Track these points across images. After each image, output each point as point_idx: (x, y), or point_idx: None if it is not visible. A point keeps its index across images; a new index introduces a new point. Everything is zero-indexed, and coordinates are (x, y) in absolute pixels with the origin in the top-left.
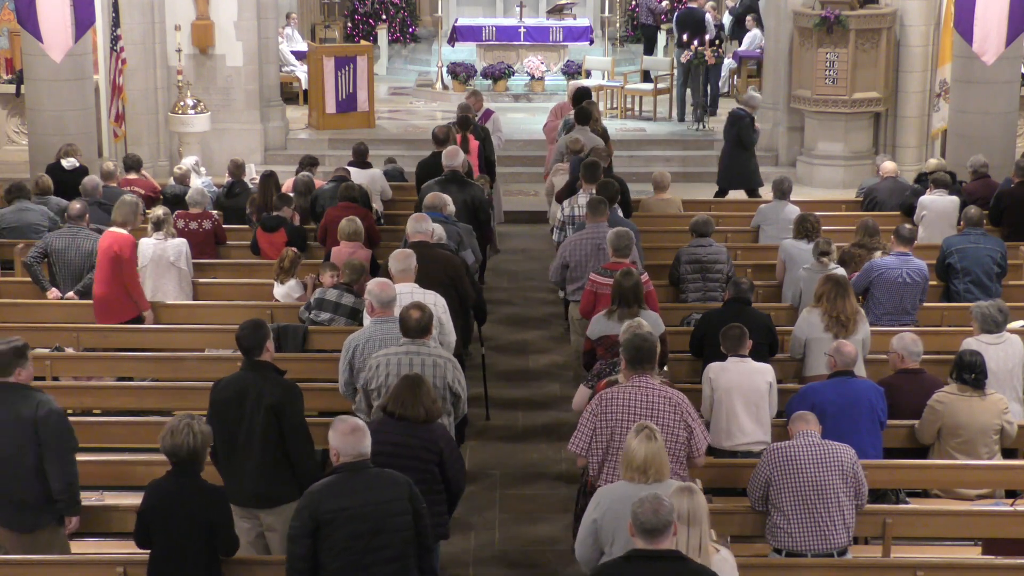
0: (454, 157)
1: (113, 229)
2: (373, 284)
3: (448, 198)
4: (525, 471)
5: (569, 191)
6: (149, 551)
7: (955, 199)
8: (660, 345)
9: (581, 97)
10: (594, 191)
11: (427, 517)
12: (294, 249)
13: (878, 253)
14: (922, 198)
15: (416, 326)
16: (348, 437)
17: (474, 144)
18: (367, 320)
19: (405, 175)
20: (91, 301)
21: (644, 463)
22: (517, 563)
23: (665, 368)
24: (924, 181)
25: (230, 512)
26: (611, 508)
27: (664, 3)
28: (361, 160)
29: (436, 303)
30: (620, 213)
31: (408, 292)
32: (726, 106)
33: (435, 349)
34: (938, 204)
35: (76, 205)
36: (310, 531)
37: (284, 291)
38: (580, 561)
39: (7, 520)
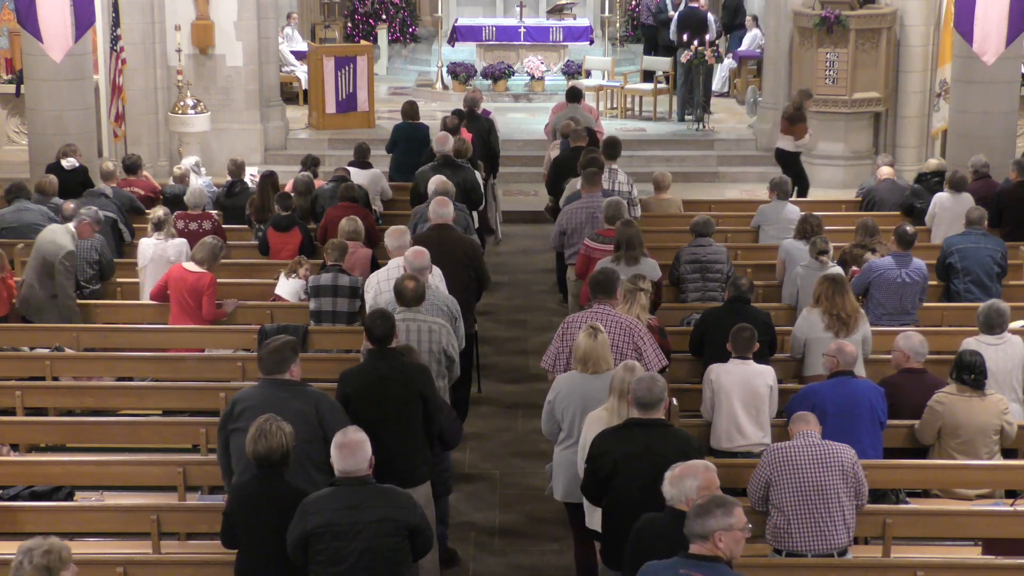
0: (444, 143)
1: (190, 266)
2: (408, 252)
3: (451, 184)
4: (525, 470)
5: (557, 167)
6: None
7: (970, 198)
8: (655, 291)
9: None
10: (614, 166)
11: (428, 538)
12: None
13: (870, 254)
14: (937, 196)
15: (412, 295)
16: (347, 450)
17: (467, 135)
18: (369, 297)
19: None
20: (90, 301)
21: (584, 355)
22: (517, 562)
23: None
24: (924, 181)
25: None
26: (562, 391)
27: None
28: (361, 160)
29: (434, 271)
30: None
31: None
32: (723, 106)
33: (430, 316)
34: (955, 205)
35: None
36: (302, 542)
37: (291, 290)
38: (544, 433)
39: None
